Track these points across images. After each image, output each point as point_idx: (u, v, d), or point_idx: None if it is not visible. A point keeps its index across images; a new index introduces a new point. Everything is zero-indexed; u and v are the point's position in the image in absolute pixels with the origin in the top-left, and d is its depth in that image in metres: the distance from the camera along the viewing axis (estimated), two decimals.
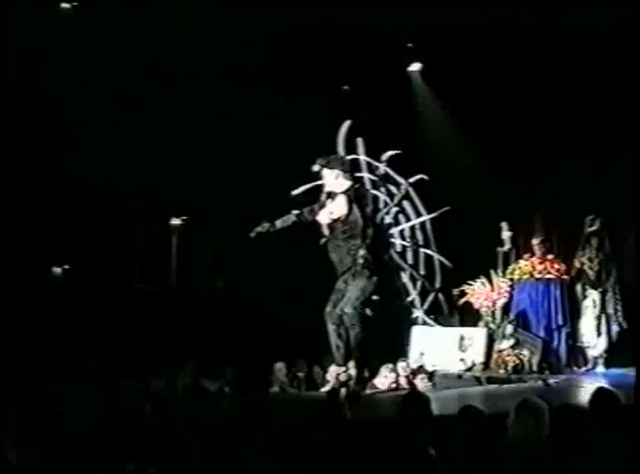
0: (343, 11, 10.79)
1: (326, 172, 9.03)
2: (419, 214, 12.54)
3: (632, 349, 10.40)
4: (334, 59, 11.76)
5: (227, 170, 12.18)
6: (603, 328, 11.04)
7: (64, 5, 11.55)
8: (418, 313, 12.33)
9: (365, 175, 12.40)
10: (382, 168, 12.40)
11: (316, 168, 9.15)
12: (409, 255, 12.61)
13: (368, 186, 12.28)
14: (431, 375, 10.26)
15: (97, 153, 11.73)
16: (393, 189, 12.51)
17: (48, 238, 12.37)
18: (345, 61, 11.83)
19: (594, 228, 11.33)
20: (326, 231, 9.18)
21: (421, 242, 12.55)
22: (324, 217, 8.90)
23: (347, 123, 12.11)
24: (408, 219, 12.60)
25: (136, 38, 11.23)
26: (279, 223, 9.28)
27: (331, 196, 9.08)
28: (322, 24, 11.04)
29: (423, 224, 12.53)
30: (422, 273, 12.47)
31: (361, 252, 8.60)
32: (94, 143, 11.75)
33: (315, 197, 10.15)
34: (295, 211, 9.33)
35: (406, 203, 12.57)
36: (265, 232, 9.28)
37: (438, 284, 12.37)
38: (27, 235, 12.06)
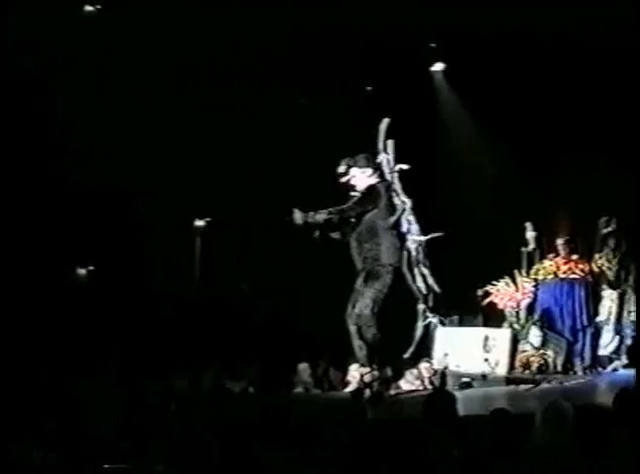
0: (365, 11, 10.79)
1: (354, 171, 8.96)
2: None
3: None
4: (356, 60, 11.75)
5: (250, 171, 12.21)
6: (624, 329, 10.99)
7: (88, 7, 11.63)
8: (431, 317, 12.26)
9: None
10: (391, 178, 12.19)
11: (342, 169, 9.10)
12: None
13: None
14: (456, 376, 10.22)
15: (121, 155, 11.79)
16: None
17: (73, 239, 12.45)
18: (367, 62, 11.82)
19: (609, 229, 11.26)
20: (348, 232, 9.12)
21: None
22: None
23: (386, 121, 11.75)
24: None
25: (157, 39, 11.28)
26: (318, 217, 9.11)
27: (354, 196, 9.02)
28: (344, 24, 11.04)
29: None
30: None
31: (377, 252, 8.58)
32: (118, 146, 11.81)
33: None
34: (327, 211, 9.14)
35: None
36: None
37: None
38: (52, 237, 12.15)
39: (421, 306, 11.97)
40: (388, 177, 12.12)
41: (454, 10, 10.76)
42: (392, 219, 8.90)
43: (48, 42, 11.07)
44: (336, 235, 9.17)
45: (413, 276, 11.97)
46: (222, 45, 11.56)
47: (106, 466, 4.81)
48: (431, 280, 11.89)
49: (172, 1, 11.27)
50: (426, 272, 11.96)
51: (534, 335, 11.02)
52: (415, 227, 11.80)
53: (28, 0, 10.79)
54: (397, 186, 11.91)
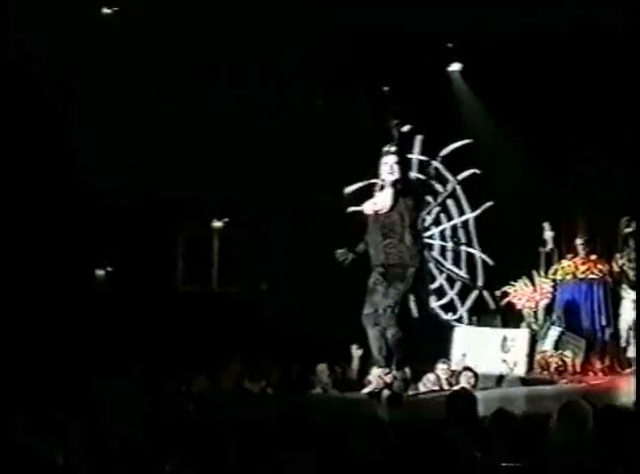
0: (383, 11, 10.79)
1: (387, 159, 8.84)
2: (462, 213, 12.47)
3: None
4: (374, 60, 11.75)
5: (267, 171, 12.23)
6: None
7: (106, 10, 11.68)
8: (460, 312, 12.29)
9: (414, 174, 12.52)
10: (435, 164, 12.40)
11: (386, 149, 8.91)
12: (448, 255, 12.57)
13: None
14: (477, 376, 10.19)
15: (140, 157, 11.84)
16: (439, 187, 12.47)
17: (92, 241, 12.51)
18: (385, 62, 11.82)
19: (630, 229, 11.22)
20: (371, 223, 9.01)
21: (463, 240, 12.49)
22: (368, 207, 8.76)
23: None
24: (450, 219, 12.56)
25: (176, 38, 11.31)
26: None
27: (382, 188, 8.90)
28: (362, 24, 11.04)
29: (466, 223, 12.45)
30: (463, 272, 12.42)
31: (401, 250, 8.50)
32: (137, 147, 11.86)
33: (365, 194, 10.04)
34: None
35: (450, 202, 12.52)
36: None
37: (480, 283, 12.27)
38: (70, 238, 12.21)
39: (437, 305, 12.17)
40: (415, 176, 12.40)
41: (471, 10, 10.74)
42: (417, 213, 8.77)
43: (65, 45, 11.12)
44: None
45: (433, 276, 12.05)
46: (241, 45, 11.58)
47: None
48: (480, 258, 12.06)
49: (190, 1, 11.30)
50: (472, 251, 12.15)
51: (553, 335, 11.00)
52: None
53: (44, 3, 10.84)
54: (443, 170, 12.28)
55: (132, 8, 11.48)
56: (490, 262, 12.16)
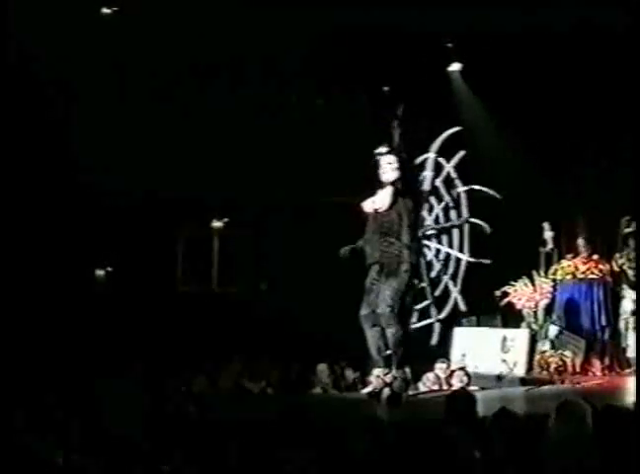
0: (382, 11, 10.78)
1: (385, 159, 8.83)
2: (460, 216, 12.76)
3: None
4: (374, 60, 11.76)
5: (267, 171, 12.24)
6: None
7: (105, 10, 11.68)
8: (432, 320, 12.75)
9: (429, 173, 12.91)
10: (448, 168, 12.79)
11: (382, 150, 8.92)
12: (432, 273, 13.02)
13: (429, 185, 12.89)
14: (470, 376, 10.20)
15: (139, 157, 11.84)
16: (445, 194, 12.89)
17: (91, 241, 12.51)
18: (384, 62, 11.82)
19: (630, 229, 11.21)
20: (369, 222, 8.98)
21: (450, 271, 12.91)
22: (367, 205, 8.73)
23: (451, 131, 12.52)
24: (449, 241, 12.97)
25: (176, 38, 11.30)
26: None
27: (382, 185, 8.88)
28: (361, 24, 11.04)
29: (461, 227, 12.73)
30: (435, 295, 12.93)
31: (398, 248, 8.47)
32: (137, 147, 11.86)
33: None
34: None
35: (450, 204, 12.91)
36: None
37: (441, 316, 12.77)
38: (69, 238, 12.21)
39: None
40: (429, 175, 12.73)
41: (471, 10, 10.73)
42: (416, 214, 8.75)
43: (65, 45, 11.12)
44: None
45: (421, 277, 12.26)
46: (240, 45, 11.58)
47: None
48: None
49: (189, 1, 11.30)
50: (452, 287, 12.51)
51: (551, 334, 11.00)
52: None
53: (43, 3, 10.84)
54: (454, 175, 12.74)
55: (132, 8, 11.48)
56: (463, 308, 12.54)
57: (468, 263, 12.70)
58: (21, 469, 4.75)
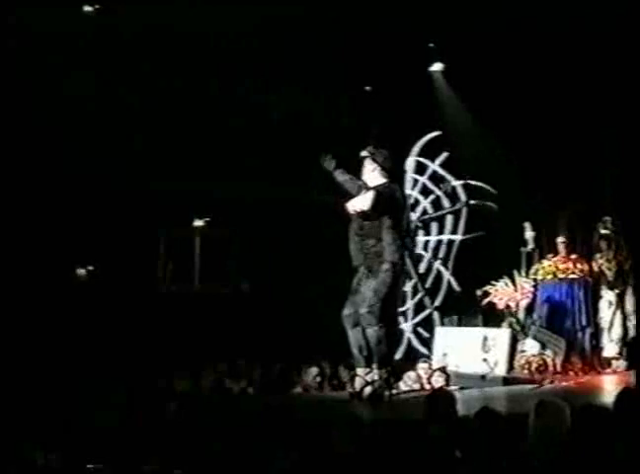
0: (364, 11, 10.80)
1: (368, 162, 8.85)
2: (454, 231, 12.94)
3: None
4: (355, 59, 11.76)
5: (250, 170, 12.23)
6: (618, 330, 11.02)
7: (87, 8, 11.63)
8: (404, 325, 12.86)
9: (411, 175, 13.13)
10: (433, 167, 13.00)
11: (364, 154, 8.92)
12: (422, 266, 13.20)
13: (413, 188, 13.11)
14: (448, 375, 10.22)
15: (121, 155, 11.81)
16: (446, 203, 13.06)
17: (72, 239, 12.47)
18: (366, 61, 11.83)
19: (608, 231, 11.27)
20: (351, 223, 8.99)
21: (441, 256, 13.04)
22: (349, 207, 8.74)
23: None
24: (440, 228, 13.06)
25: (156, 37, 11.26)
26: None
27: (365, 187, 8.89)
28: (344, 24, 11.05)
29: (451, 243, 12.83)
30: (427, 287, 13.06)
31: (380, 249, 8.49)
32: (118, 145, 11.83)
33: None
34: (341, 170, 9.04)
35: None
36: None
37: (437, 303, 12.92)
38: (50, 236, 12.17)
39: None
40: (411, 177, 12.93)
41: (453, 10, 10.76)
42: (397, 217, 8.76)
43: (49, 41, 11.08)
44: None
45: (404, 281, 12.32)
46: (222, 45, 11.55)
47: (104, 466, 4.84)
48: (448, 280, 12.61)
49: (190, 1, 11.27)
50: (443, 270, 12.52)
51: (533, 335, 11.03)
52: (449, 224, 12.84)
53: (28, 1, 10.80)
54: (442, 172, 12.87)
55: (127, 3, 11.44)
56: (456, 288, 12.69)
57: (461, 243, 12.74)
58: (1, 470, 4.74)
